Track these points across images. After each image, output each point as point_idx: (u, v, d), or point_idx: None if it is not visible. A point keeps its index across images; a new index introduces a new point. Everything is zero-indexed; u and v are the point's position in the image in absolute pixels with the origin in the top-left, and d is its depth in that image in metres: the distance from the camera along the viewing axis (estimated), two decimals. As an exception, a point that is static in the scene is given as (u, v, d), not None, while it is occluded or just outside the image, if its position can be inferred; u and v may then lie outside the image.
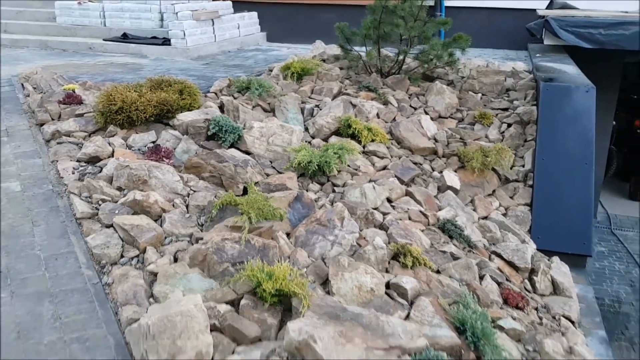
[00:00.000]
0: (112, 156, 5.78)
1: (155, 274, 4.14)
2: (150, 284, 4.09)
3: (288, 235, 4.87)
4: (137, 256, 4.40)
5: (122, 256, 4.40)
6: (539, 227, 6.53)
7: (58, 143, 6.16)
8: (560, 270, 5.89)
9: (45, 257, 4.33)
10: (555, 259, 6.16)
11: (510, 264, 5.68)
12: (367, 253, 4.71)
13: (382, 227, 5.41)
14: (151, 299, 3.95)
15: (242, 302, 3.90)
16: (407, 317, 4.10)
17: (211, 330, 3.61)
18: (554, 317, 5.10)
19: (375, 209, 5.66)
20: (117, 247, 4.43)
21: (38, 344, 3.49)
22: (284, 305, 3.96)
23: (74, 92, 7.20)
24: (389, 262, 4.82)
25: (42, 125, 6.59)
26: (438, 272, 4.99)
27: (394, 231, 5.26)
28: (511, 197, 6.90)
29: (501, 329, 4.47)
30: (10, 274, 4.10)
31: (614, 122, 11.68)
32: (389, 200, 5.97)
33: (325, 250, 4.70)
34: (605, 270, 9.41)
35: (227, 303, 3.89)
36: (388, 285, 4.49)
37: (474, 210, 6.50)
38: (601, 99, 7.56)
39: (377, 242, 4.82)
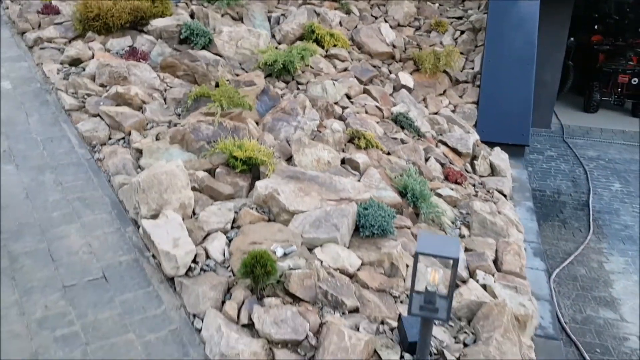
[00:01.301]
0: (93, 58, 6.26)
1: (140, 151, 4.79)
2: (136, 159, 4.74)
3: (257, 123, 5.52)
4: (123, 138, 5.02)
5: (109, 138, 5.02)
6: (484, 122, 7.29)
7: (41, 48, 6.60)
8: (499, 156, 6.70)
9: (42, 139, 4.93)
10: (497, 148, 6.96)
11: (454, 150, 6.46)
12: (326, 135, 5.40)
13: (341, 118, 6.08)
14: (138, 170, 4.60)
15: (217, 170, 4.58)
16: (358, 182, 4.83)
17: (192, 190, 4.31)
18: (488, 191, 5.92)
19: (335, 103, 6.31)
20: (104, 131, 5.04)
21: (45, 202, 4.16)
22: (253, 174, 4.66)
23: (51, 3, 7.53)
24: (345, 144, 5.53)
25: (23, 33, 6.98)
26: (389, 153, 5.73)
27: (351, 121, 5.95)
28: (460, 96, 7.61)
29: (439, 195, 5.28)
30: (13, 152, 4.70)
31: (572, 39, 12.31)
32: (348, 96, 6.62)
33: (290, 133, 5.37)
34: (552, 170, 10.30)
35: (204, 171, 4.57)
36: (343, 161, 5.22)
37: (426, 107, 7.20)
38: (555, 13, 8.14)
39: (335, 126, 5.51)
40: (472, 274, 4.21)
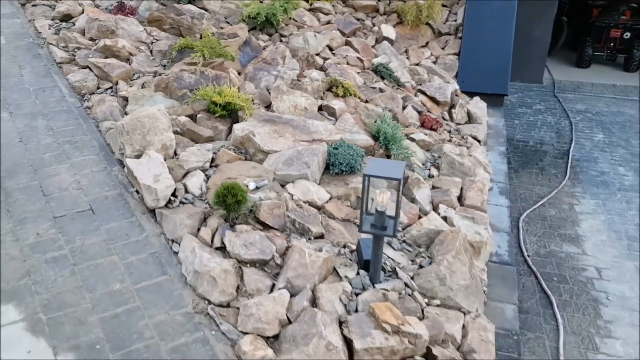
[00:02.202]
0: (83, 14, 6.50)
1: (126, 99, 5.08)
2: (123, 107, 5.04)
3: (239, 73, 5.78)
4: (111, 87, 5.31)
5: (98, 87, 5.31)
6: (464, 72, 7.51)
7: (33, 5, 6.84)
8: (477, 105, 6.95)
9: (34, 89, 5.22)
10: (476, 98, 7.20)
11: (433, 99, 6.71)
12: (305, 84, 5.66)
13: (322, 68, 6.33)
14: (125, 116, 4.89)
15: (199, 115, 4.88)
16: (331, 125, 5.11)
17: (174, 134, 4.61)
18: (462, 137, 6.20)
19: (317, 54, 6.55)
20: (93, 81, 5.33)
21: (37, 145, 4.48)
22: (232, 119, 4.95)
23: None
24: (324, 93, 5.80)
25: (15, -9, 7.21)
26: (367, 101, 5.99)
27: (331, 71, 6.20)
28: (442, 48, 7.81)
29: (413, 140, 5.57)
30: (7, 101, 5.00)
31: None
32: (330, 48, 6.85)
33: (270, 82, 5.64)
34: (538, 123, 10.52)
35: (186, 116, 4.86)
36: (321, 108, 5.49)
37: (407, 58, 7.42)
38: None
39: (314, 75, 5.77)
40: (435, 208, 4.52)
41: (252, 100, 5.27)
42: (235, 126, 4.58)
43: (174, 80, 5.10)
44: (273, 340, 3.06)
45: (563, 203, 6.68)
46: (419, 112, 6.24)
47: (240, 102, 4.82)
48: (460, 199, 4.78)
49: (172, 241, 3.67)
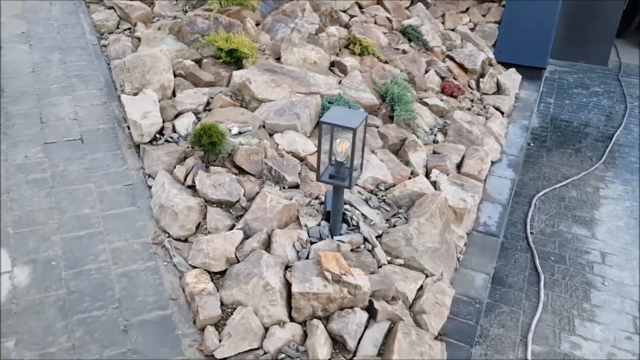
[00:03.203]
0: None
1: (139, 39, 5.19)
2: (136, 47, 5.16)
3: (258, 24, 5.78)
4: (129, 28, 5.44)
5: (117, 27, 5.46)
6: (503, 42, 7.19)
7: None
8: (510, 77, 6.67)
9: (58, 25, 5.42)
10: (512, 69, 6.90)
11: (461, 66, 6.48)
12: (321, 39, 5.59)
13: (346, 25, 6.22)
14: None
15: (204, 61, 4.93)
16: (339, 83, 5.05)
17: (177, 76, 4.70)
18: (484, 107, 5.97)
19: (343, 11, 6.44)
20: (114, 21, 5.48)
21: (47, 76, 4.67)
22: (238, 67, 4.96)
23: None
24: (340, 49, 5.71)
25: None
26: (386, 62, 5.86)
27: (354, 29, 6.09)
28: (483, 15, 7.49)
29: (426, 104, 5.42)
30: (30, 34, 5.23)
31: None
32: (359, 6, 6.71)
33: (286, 34, 5.60)
34: (590, 105, 9.96)
35: (193, 61, 4.92)
36: (333, 64, 5.42)
37: (443, 23, 7.17)
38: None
39: (331, 31, 5.69)
40: (428, 173, 4.42)
41: (264, 50, 5.27)
42: (234, 73, 4.60)
43: (187, 24, 5.16)
44: (219, 277, 3.13)
45: (588, 186, 6.34)
46: (442, 78, 6.05)
47: (246, 50, 4.82)
48: (459, 166, 4.64)
49: (149, 176, 3.78)
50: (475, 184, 4.37)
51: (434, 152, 4.75)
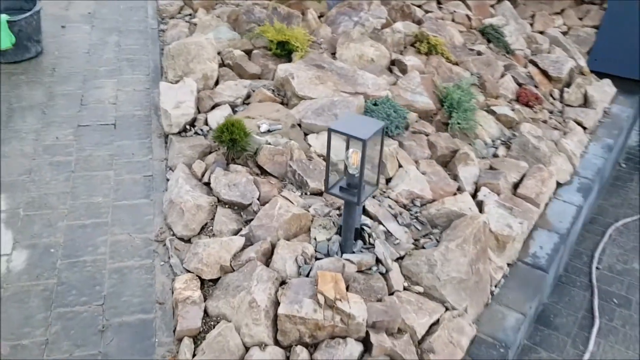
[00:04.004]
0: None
1: (196, 25, 5.10)
2: (191, 33, 5.07)
3: (321, 16, 5.51)
4: (190, 14, 5.38)
5: (179, 12, 5.41)
6: (600, 49, 6.43)
7: None
8: (601, 89, 5.93)
9: (124, 8, 5.48)
10: (606, 80, 6.15)
11: (544, 72, 5.84)
12: (385, 35, 5.23)
13: (418, 21, 5.80)
14: (188, 42, 4.94)
15: (254, 51, 4.75)
16: (394, 84, 4.68)
17: (224, 66, 4.56)
18: (564, 120, 5.34)
19: (418, 6, 6.01)
20: (177, 6, 5.44)
21: (99, 58, 4.70)
22: (289, 60, 4.73)
23: None
24: (405, 47, 5.32)
25: None
26: (456, 63, 5.39)
27: (426, 26, 5.65)
28: (580, 19, 6.74)
29: (492, 113, 4.92)
30: (95, 15, 5.30)
31: None
32: (438, 1, 6.24)
33: (348, 28, 5.30)
34: None
35: (243, 51, 4.76)
36: (394, 63, 5.05)
37: (531, 24, 6.52)
38: None
39: (397, 26, 5.30)
40: (477, 190, 3.98)
41: (321, 44, 5.01)
42: (279, 66, 4.38)
43: (244, 13, 5.00)
44: (212, 285, 2.93)
45: (682, 220, 5.53)
46: (520, 85, 5.48)
47: (297, 42, 4.58)
48: (516, 186, 4.14)
49: (170, 169, 3.65)
50: (528, 208, 3.87)
51: (491, 168, 4.28)
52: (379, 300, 2.90)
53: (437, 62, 5.19)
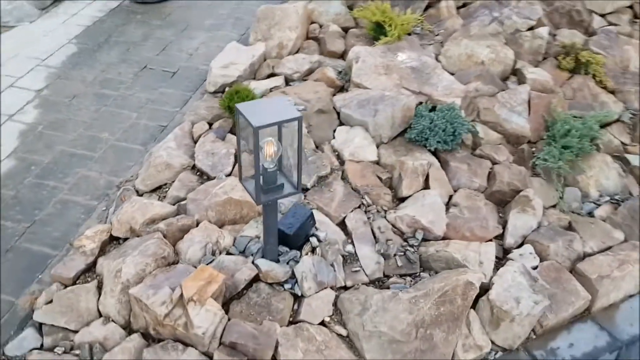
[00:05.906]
0: None
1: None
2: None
3: (465, 5, 4.76)
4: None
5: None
6: None
7: None
8: None
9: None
10: None
11: None
12: (522, 39, 4.29)
13: (587, 32, 4.62)
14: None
15: (352, 30, 4.35)
16: (493, 95, 3.82)
17: (310, 39, 4.28)
18: None
19: (602, 15, 4.79)
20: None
21: (212, 12, 4.79)
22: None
23: None
24: (544, 57, 4.29)
25: None
26: (612, 92, 4.16)
27: (597, 39, 4.47)
28: None
29: (625, 162, 3.70)
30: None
31: None
32: (635, 15, 4.88)
33: (483, 24, 4.48)
34: None
35: (342, 28, 4.38)
36: (515, 73, 4.13)
37: None
38: None
39: (540, 32, 4.30)
40: (519, 246, 3.05)
41: (437, 35, 4.35)
42: (353, 48, 3.92)
43: (362, -8, 4.58)
44: (119, 244, 2.79)
45: None
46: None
47: (392, 28, 4.04)
48: (584, 257, 3.06)
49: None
50: (573, 290, 2.82)
51: (569, 227, 3.21)
52: (271, 320, 2.42)
53: (578, 85, 4.08)
